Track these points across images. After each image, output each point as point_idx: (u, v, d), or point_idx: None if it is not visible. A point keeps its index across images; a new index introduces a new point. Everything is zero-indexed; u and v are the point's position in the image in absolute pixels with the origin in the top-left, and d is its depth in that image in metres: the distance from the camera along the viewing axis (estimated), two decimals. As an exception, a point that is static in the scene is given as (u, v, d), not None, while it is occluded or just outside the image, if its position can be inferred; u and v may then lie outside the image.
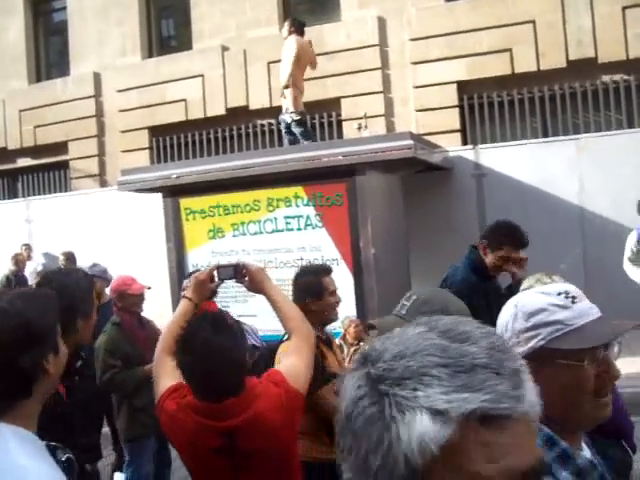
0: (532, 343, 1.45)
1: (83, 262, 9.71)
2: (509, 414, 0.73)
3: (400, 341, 0.79)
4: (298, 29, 8.48)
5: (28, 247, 11.39)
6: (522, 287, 3.03)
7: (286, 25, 8.59)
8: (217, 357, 2.24)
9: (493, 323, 3.54)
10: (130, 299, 4.97)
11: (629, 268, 7.38)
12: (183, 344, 2.36)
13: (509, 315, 1.52)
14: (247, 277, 2.77)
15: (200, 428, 2.30)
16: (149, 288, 5.15)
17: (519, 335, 1.48)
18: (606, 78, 10.52)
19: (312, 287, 3.66)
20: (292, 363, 2.55)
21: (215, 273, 2.81)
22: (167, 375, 2.50)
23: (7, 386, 1.64)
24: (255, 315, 6.59)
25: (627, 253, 7.40)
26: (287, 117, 8.52)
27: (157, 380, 2.53)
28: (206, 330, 2.30)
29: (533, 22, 10.66)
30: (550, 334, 1.43)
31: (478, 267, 3.98)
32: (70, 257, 9.84)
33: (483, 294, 3.81)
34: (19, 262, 10.57)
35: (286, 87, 8.37)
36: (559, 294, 1.47)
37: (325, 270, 3.92)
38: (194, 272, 3.43)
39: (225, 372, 2.27)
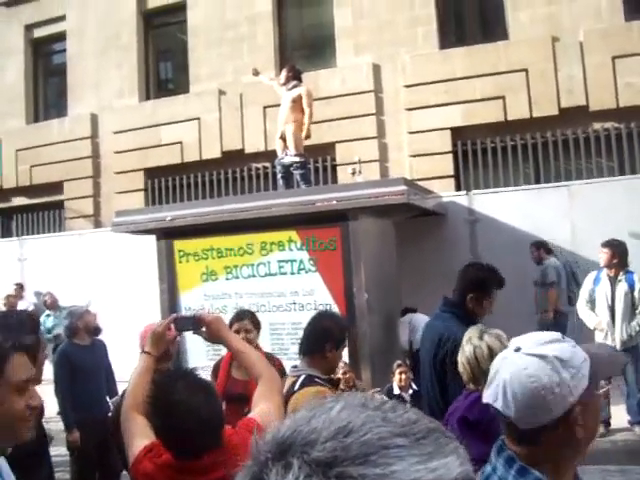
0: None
1: (76, 302, 9.74)
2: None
3: (330, 418, 0.68)
4: (296, 76, 8.60)
5: (20, 286, 11.34)
6: (466, 336, 3.11)
7: (284, 72, 8.71)
8: (196, 417, 2.21)
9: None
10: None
11: (584, 311, 7.38)
12: (158, 407, 2.30)
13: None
14: (205, 328, 2.75)
15: None
16: None
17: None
18: (597, 126, 10.66)
19: (336, 335, 3.46)
20: (263, 409, 2.53)
21: (172, 325, 2.80)
22: (139, 434, 2.44)
23: None
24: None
25: (584, 295, 7.42)
26: (287, 159, 8.55)
27: (129, 440, 2.46)
28: (180, 391, 2.26)
29: (526, 70, 10.84)
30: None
31: (467, 317, 3.77)
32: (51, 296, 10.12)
33: None
34: (10, 303, 10.57)
35: (307, 137, 8.43)
36: None
37: (345, 322, 3.74)
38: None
39: (204, 430, 2.24)
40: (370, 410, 0.69)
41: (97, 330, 6.23)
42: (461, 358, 3.08)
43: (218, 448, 2.28)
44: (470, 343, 3.05)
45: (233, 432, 2.41)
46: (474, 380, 2.99)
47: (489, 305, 3.86)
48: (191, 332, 2.86)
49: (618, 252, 7.17)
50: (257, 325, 4.85)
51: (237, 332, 4.54)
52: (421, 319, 7.78)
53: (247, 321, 4.74)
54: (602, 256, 7.24)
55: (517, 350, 1.54)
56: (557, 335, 1.59)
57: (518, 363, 1.51)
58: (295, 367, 3.43)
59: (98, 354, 6.15)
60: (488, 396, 1.55)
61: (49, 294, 10.34)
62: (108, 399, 6.09)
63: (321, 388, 3.22)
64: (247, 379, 4.20)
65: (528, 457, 1.53)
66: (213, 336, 2.77)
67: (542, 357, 1.51)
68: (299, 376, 3.28)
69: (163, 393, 2.32)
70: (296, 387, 3.21)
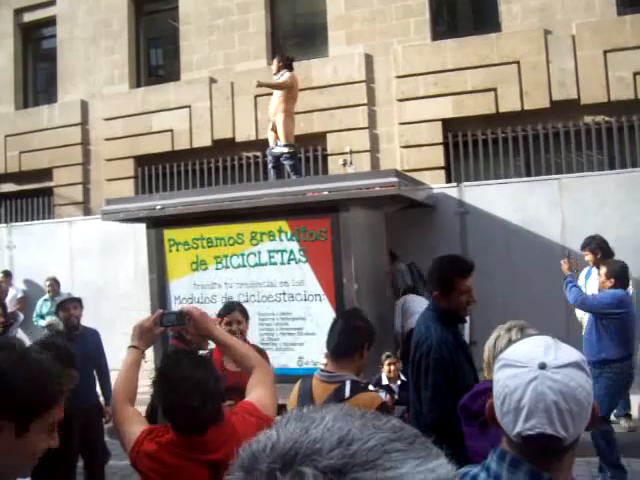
0: None
1: (63, 290, 9.72)
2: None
3: (328, 428, 0.69)
4: (287, 64, 8.57)
5: (6, 273, 11.26)
6: (494, 335, 3.02)
7: (275, 61, 8.68)
8: (201, 390, 2.35)
9: (477, 379, 3.45)
10: None
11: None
12: (165, 383, 2.44)
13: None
14: (191, 322, 2.78)
15: (187, 463, 2.37)
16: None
17: None
18: (588, 119, 10.68)
19: (370, 335, 3.38)
20: (259, 394, 2.66)
21: (159, 320, 2.84)
22: (134, 422, 2.56)
23: None
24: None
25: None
26: (278, 149, 8.55)
27: (124, 428, 2.55)
28: (186, 366, 2.42)
29: (518, 63, 10.84)
30: None
31: (445, 316, 3.70)
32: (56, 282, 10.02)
33: (460, 348, 3.67)
34: (0, 290, 10.54)
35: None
36: None
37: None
38: None
39: (208, 403, 2.37)
40: (358, 419, 0.71)
41: (73, 328, 6.18)
42: (485, 346, 3.05)
43: (220, 423, 2.42)
44: (496, 332, 2.99)
45: (232, 413, 2.55)
46: (489, 369, 2.89)
47: (458, 297, 3.64)
48: (176, 327, 2.90)
49: (598, 248, 7.29)
50: (246, 315, 4.91)
51: (229, 324, 4.61)
52: (415, 301, 7.86)
53: (237, 312, 4.81)
54: (587, 259, 7.43)
55: (543, 367, 1.41)
56: (549, 337, 1.51)
57: (559, 379, 1.40)
58: (325, 370, 3.33)
59: (86, 343, 6.09)
60: (536, 427, 1.39)
61: (51, 280, 10.27)
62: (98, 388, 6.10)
63: (374, 394, 3.27)
64: (239, 370, 4.23)
65: (550, 470, 1.45)
66: (200, 330, 2.81)
67: (575, 365, 1.42)
68: (343, 381, 3.19)
69: (169, 370, 2.47)
70: (347, 394, 3.12)
